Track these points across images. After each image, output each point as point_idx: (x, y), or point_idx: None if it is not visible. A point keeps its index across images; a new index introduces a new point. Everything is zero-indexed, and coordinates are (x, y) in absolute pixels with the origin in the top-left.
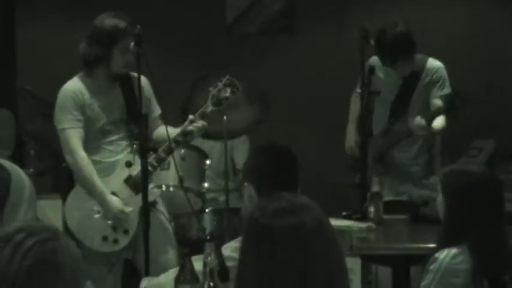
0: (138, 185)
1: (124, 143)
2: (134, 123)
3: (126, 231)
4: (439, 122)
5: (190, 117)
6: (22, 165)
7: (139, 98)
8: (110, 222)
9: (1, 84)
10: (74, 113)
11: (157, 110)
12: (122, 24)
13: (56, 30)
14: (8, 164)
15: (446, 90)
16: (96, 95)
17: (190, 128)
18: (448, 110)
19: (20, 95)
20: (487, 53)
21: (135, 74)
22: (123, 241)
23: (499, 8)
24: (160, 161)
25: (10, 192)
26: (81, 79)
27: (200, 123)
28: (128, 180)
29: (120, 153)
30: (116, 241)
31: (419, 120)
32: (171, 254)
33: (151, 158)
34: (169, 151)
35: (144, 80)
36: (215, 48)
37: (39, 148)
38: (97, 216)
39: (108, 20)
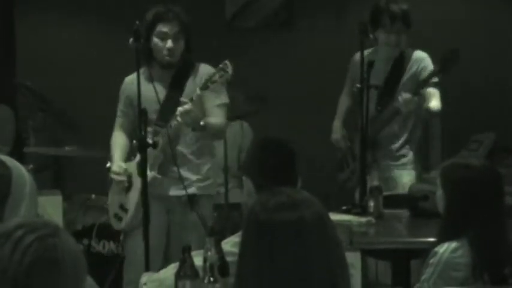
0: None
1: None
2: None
3: (126, 210)
4: (434, 103)
5: (182, 99)
6: (21, 162)
7: (139, 94)
8: (119, 201)
9: (1, 80)
10: (121, 104)
11: (215, 100)
12: (159, 9)
13: (55, 27)
14: (9, 160)
15: (434, 78)
16: (150, 85)
17: (177, 111)
18: (444, 67)
19: (20, 92)
20: (487, 47)
21: (204, 66)
22: (125, 219)
23: (499, 2)
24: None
25: (11, 189)
26: (143, 69)
27: (184, 107)
28: (138, 164)
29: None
30: (120, 219)
31: (404, 95)
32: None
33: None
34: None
35: (208, 69)
36: (214, 43)
37: (39, 144)
38: (116, 190)
39: (151, 10)
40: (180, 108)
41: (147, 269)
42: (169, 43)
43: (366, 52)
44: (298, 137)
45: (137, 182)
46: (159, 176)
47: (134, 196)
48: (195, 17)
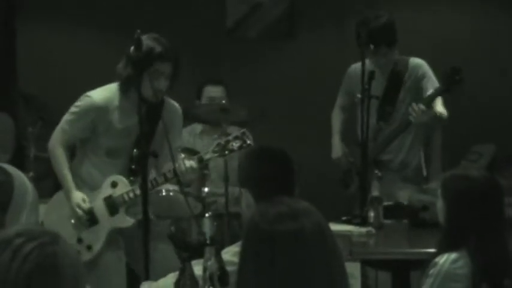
0: (115, 206)
1: (125, 166)
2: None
3: (89, 247)
4: (442, 109)
5: (189, 162)
6: (22, 169)
7: (139, 110)
8: (76, 235)
9: (1, 88)
10: (81, 124)
11: (175, 142)
12: (158, 48)
13: (56, 36)
14: (11, 169)
15: (435, 83)
16: (122, 116)
17: (182, 168)
18: (448, 87)
19: (20, 100)
20: (488, 59)
21: (172, 103)
22: (85, 255)
23: (500, 13)
24: (155, 185)
25: (14, 196)
26: (116, 92)
27: (190, 163)
28: (107, 200)
29: (115, 174)
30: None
31: (415, 106)
32: (165, 249)
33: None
34: (166, 180)
35: (176, 108)
36: (215, 53)
37: (39, 152)
38: (71, 222)
39: (146, 42)
40: (187, 165)
41: (147, 277)
42: (163, 84)
43: (358, 65)
44: (298, 146)
45: (103, 217)
46: (131, 220)
47: (101, 231)
48: (197, 27)
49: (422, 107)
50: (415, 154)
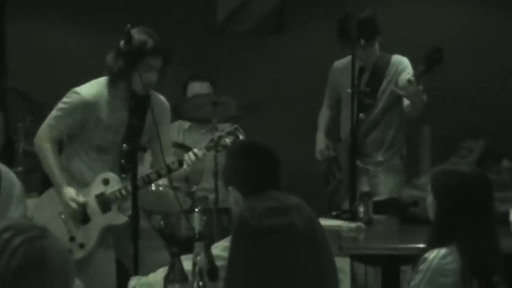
0: (107, 204)
1: (116, 162)
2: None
3: (82, 245)
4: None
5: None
6: (11, 164)
7: (130, 103)
8: (69, 233)
9: None
10: (70, 121)
11: (164, 136)
12: (150, 42)
13: (47, 30)
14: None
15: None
16: (111, 111)
17: (192, 157)
18: (429, 67)
19: (10, 94)
20: (479, 54)
21: (159, 97)
22: (77, 253)
23: (495, 10)
24: (147, 182)
25: (1, 190)
26: (104, 87)
27: (195, 151)
28: (99, 197)
29: (106, 171)
30: (69, 251)
31: (402, 79)
32: (162, 251)
33: (139, 177)
34: (159, 177)
35: (163, 102)
36: (206, 47)
37: (28, 146)
38: (62, 217)
39: (138, 36)
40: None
41: (136, 272)
42: (154, 77)
43: (344, 61)
44: (289, 140)
45: (95, 215)
46: (124, 217)
47: (94, 229)
48: (187, 21)
49: (406, 82)
50: (398, 147)
